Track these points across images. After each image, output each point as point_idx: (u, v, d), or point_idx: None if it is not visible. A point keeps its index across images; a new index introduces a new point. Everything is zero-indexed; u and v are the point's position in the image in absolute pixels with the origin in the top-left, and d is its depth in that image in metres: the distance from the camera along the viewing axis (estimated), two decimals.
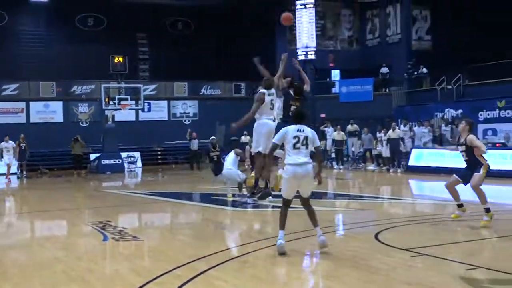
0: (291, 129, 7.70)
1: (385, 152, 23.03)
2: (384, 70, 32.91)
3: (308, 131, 7.71)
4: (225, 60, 34.05)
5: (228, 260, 7.38)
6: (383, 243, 8.31)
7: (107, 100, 27.35)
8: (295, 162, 7.54)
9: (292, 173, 7.56)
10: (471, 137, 9.33)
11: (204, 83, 34.06)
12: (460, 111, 26.50)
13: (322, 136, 27.25)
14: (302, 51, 32.91)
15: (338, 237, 9.52)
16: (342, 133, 25.28)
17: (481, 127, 25.61)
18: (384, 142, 23.03)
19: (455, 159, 19.76)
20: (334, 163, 25.96)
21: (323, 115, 30.82)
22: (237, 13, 34.01)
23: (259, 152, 9.59)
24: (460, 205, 9.65)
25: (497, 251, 7.83)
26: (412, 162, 22.12)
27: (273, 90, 9.76)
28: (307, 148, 7.66)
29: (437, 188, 16.82)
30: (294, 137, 7.59)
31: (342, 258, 7.45)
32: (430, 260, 7.16)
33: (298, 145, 7.58)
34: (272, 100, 9.68)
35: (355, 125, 25.96)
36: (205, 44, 34.47)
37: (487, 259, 7.16)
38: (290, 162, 7.60)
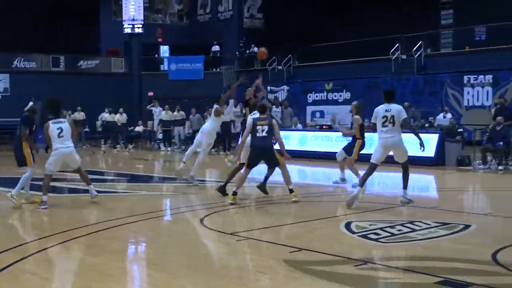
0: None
1: None
2: (215, 48, 33.47)
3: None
4: (42, 30, 32.41)
5: (38, 251, 7.10)
6: (208, 227, 8.50)
7: None
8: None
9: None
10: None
11: (18, 55, 32.03)
12: (287, 89, 27.80)
13: (149, 116, 27.30)
14: (129, 24, 32.33)
15: (163, 222, 9.60)
16: (170, 112, 25.23)
17: (309, 109, 27.09)
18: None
19: (285, 141, 20.87)
20: (161, 144, 26.02)
21: (150, 94, 30.71)
22: None
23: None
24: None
25: (317, 233, 8.24)
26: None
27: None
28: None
29: (263, 170, 17.59)
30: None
31: (167, 245, 7.54)
32: (253, 243, 7.44)
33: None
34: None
35: (181, 112, 25.64)
36: (19, 12, 32.43)
37: (307, 241, 7.46)
38: None
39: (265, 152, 10.38)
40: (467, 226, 8.27)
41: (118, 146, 26.11)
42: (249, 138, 10.48)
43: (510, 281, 5.83)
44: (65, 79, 30.26)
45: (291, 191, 10.32)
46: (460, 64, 23.78)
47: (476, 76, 22.32)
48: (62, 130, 10.31)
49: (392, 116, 9.74)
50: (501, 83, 21.55)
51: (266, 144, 10.35)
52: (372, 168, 10.01)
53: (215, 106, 13.15)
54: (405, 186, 10.25)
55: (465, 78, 22.57)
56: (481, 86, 22.05)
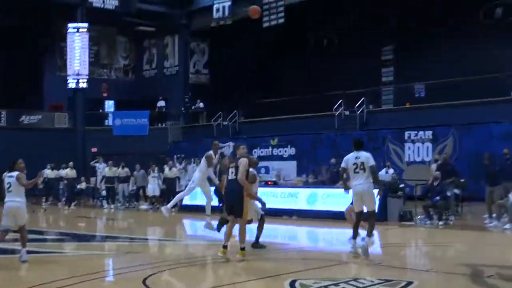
0: None
1: (154, 190, 23.38)
2: (161, 103, 33.37)
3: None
4: None
5: None
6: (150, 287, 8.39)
7: None
8: None
9: None
10: None
11: None
12: (232, 146, 27.82)
13: (93, 172, 26.88)
14: (73, 79, 31.90)
15: (103, 284, 9.38)
16: (114, 169, 24.89)
17: None
18: (158, 180, 23.38)
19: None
20: (104, 201, 25.58)
21: (94, 150, 30.29)
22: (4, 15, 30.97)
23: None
24: None
25: None
26: (186, 201, 22.56)
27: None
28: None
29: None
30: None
31: None
32: None
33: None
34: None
35: (126, 168, 25.20)
36: None
37: None
38: None
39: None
40: (409, 283, 8.30)
41: (59, 203, 25.59)
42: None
43: None
44: (6, 135, 29.60)
45: (242, 249, 10.10)
46: (401, 120, 24.26)
47: (416, 132, 22.78)
48: (10, 185, 10.34)
49: (362, 163, 10.18)
50: (440, 139, 22.03)
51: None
52: (359, 218, 10.42)
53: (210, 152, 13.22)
54: (369, 234, 10.45)
55: (406, 134, 22.98)
56: (421, 142, 22.52)
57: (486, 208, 15.83)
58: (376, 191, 10.73)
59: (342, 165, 10.48)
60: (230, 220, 10.37)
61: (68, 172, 26.06)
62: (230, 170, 10.25)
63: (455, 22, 26.48)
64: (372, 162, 10.28)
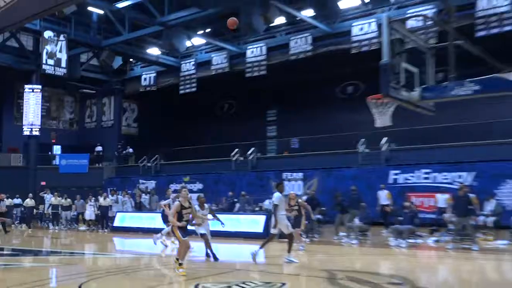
0: None
1: (90, 215, 22.86)
2: (98, 148, 32.53)
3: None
4: None
5: None
6: None
7: None
8: None
9: None
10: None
11: None
12: (154, 184, 27.40)
13: (41, 200, 25.71)
14: (28, 128, 30.41)
15: None
16: (59, 198, 23.90)
17: (172, 196, 26.66)
18: (94, 208, 22.77)
19: (151, 221, 20.34)
20: (50, 224, 24.34)
21: (43, 183, 28.81)
22: None
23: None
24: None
25: None
26: (116, 223, 21.96)
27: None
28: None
29: (135, 243, 16.98)
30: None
31: None
32: None
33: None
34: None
35: (68, 199, 23.95)
36: None
37: None
38: None
39: None
40: (283, 284, 8.43)
41: (13, 225, 24.04)
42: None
43: None
44: None
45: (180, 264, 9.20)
46: (281, 164, 24.71)
47: (291, 173, 23.29)
48: None
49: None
50: (308, 179, 22.64)
51: None
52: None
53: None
54: (289, 251, 11.06)
55: (284, 174, 23.43)
56: (294, 180, 22.99)
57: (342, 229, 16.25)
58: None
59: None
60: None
61: (28, 201, 24.77)
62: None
63: (320, 95, 27.64)
64: (273, 200, 10.97)
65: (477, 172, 18.34)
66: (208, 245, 11.60)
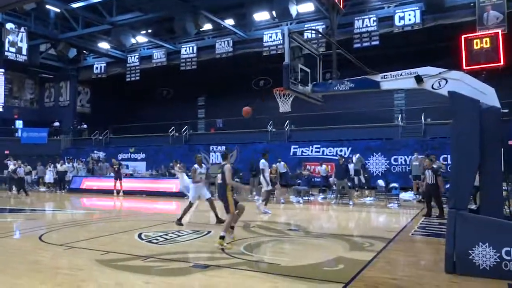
0: None
1: (50, 179, 21.80)
2: (56, 123, 30.64)
3: None
4: None
5: None
6: (44, 241, 7.66)
7: None
8: None
9: None
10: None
11: None
12: (104, 154, 26.32)
13: (5, 167, 23.81)
14: None
15: (11, 240, 8.31)
16: (22, 165, 22.17)
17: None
18: (53, 172, 21.56)
19: (102, 183, 19.61)
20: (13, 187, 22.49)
21: (7, 152, 26.69)
22: None
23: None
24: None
25: (119, 241, 7.89)
26: (73, 185, 20.96)
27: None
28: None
29: (88, 202, 16.34)
30: None
31: (10, 256, 6.58)
32: (76, 250, 6.87)
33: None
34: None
35: (29, 166, 22.46)
36: None
37: (113, 247, 7.04)
38: None
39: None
40: (209, 232, 8.56)
41: None
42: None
43: (230, 262, 6.02)
44: None
45: (221, 237, 7.06)
46: (208, 139, 24.73)
47: (216, 146, 23.36)
48: None
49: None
50: (229, 150, 22.83)
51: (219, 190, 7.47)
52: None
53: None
54: (266, 204, 11.58)
55: (211, 147, 23.48)
56: (219, 152, 23.15)
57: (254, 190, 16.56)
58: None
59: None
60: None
61: None
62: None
63: (239, 86, 27.73)
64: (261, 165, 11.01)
65: (352, 147, 19.44)
66: (213, 208, 9.83)
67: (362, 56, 8.18)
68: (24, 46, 26.74)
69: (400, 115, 21.13)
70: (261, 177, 11.51)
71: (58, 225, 9.64)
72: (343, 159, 14.87)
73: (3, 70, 28.25)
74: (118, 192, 18.20)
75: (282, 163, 18.12)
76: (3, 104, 28.52)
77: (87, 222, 10.29)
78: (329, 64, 8.25)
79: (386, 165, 18.64)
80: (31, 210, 11.89)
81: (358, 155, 16.92)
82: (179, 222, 9.33)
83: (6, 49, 26.09)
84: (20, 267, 5.83)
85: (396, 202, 13.43)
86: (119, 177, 18.46)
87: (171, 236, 7.93)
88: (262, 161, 11.43)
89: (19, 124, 31.61)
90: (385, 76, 6.64)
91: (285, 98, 8.25)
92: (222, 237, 7.04)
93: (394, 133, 19.64)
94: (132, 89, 30.29)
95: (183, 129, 25.55)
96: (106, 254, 6.49)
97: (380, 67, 7.14)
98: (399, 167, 18.34)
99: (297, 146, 20.89)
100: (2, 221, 11.05)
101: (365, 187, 16.38)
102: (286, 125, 22.22)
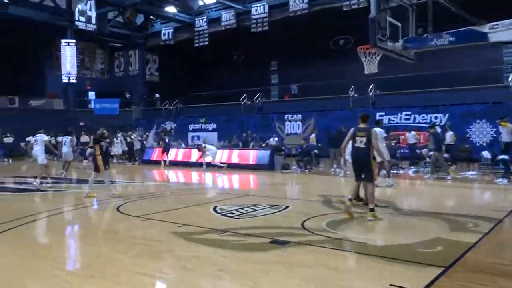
0: None
1: (118, 151, 22.34)
2: (128, 95, 32.65)
3: None
4: (2, 77, 29.47)
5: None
6: (122, 212, 8.24)
7: None
8: None
9: None
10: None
11: None
12: (175, 124, 27.56)
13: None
14: (66, 76, 30.34)
15: (89, 210, 9.13)
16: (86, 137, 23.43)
17: (190, 134, 26.99)
18: (122, 144, 22.48)
19: (179, 155, 20.58)
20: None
21: (82, 123, 29.06)
22: (19, 31, 28.03)
23: None
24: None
25: (195, 213, 8.16)
26: (145, 157, 22.23)
27: None
28: None
29: (162, 174, 17.30)
30: None
31: (90, 226, 7.22)
32: (153, 222, 7.27)
33: None
34: None
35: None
36: None
37: (189, 220, 7.32)
38: None
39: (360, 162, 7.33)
40: (287, 207, 8.58)
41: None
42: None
43: (311, 238, 6.06)
44: (18, 114, 27.82)
45: (371, 210, 7.18)
46: (282, 107, 24.69)
47: (292, 115, 23.29)
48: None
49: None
50: (306, 120, 22.67)
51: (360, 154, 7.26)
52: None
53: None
54: (388, 175, 11.57)
55: (286, 116, 23.48)
56: (294, 121, 23.06)
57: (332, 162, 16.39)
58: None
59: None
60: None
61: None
62: (359, 139, 7.27)
63: (316, 47, 27.17)
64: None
65: (449, 113, 18.30)
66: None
67: (462, 5, 7.52)
68: (93, 14, 28.51)
69: (511, 74, 19.34)
70: (378, 148, 9.11)
71: (134, 197, 10.34)
72: (436, 129, 14.06)
73: (74, 40, 30.35)
74: (164, 162, 19.49)
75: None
76: (76, 76, 30.83)
77: (161, 194, 10.93)
78: (423, 17, 7.69)
79: (492, 134, 17.36)
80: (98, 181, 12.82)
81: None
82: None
83: (76, 18, 28.05)
84: (100, 237, 6.38)
85: (506, 177, 12.49)
86: (167, 149, 19.69)
87: (247, 210, 8.11)
88: (377, 129, 10.71)
89: (91, 95, 34.12)
90: (495, 26, 6.08)
91: (371, 58, 7.94)
92: (372, 210, 7.14)
93: (503, 95, 18.10)
94: (201, 56, 31.01)
95: (255, 97, 25.75)
96: (182, 226, 6.80)
97: (486, 16, 6.52)
98: None
99: (383, 113, 20.15)
100: (79, 191, 12.13)
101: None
102: (370, 90, 21.42)
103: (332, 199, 9.52)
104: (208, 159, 17.60)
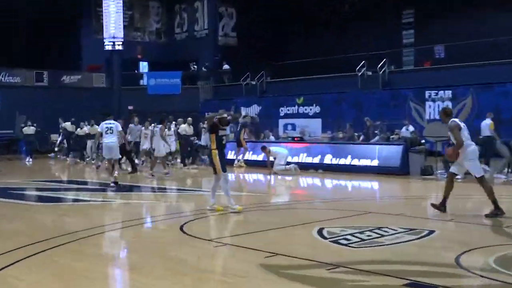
0: None
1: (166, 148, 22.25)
2: (193, 66, 33.62)
3: None
4: (27, 46, 31.89)
5: (26, 257, 6.99)
6: (188, 234, 8.43)
7: None
8: None
9: None
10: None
11: (3, 70, 30.39)
12: (260, 107, 27.91)
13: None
14: (109, 42, 31.97)
15: (145, 229, 9.53)
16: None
17: (281, 122, 27.16)
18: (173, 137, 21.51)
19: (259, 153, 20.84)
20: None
21: (130, 107, 30.39)
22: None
23: None
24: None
25: (291, 239, 8.20)
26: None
27: None
28: None
29: (244, 180, 17.62)
30: None
31: (150, 250, 7.48)
32: (232, 248, 7.42)
33: None
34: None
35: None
36: (7, 28, 31.06)
37: (283, 247, 7.37)
38: None
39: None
40: (431, 232, 8.36)
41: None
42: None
43: (472, 283, 5.88)
44: (48, 93, 29.91)
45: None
46: (421, 80, 24.09)
47: (436, 91, 22.64)
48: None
49: None
50: (459, 98, 21.89)
51: None
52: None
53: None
54: None
55: (426, 93, 22.86)
56: (441, 100, 22.32)
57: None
58: None
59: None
60: None
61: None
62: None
63: None
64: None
65: None
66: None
67: None
68: None
69: None
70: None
71: (199, 212, 10.57)
72: None
73: None
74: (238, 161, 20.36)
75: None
76: (122, 40, 32.35)
77: (244, 209, 11.03)
78: None
79: None
80: (163, 189, 13.37)
81: None
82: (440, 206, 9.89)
83: None
84: (160, 266, 6.59)
85: None
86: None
87: (369, 236, 7.99)
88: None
89: (143, 67, 35.59)
90: None
91: None
92: None
93: None
94: (297, 7, 31.03)
95: (379, 65, 25.31)
96: (273, 256, 6.85)
97: None
98: None
99: None
100: (136, 202, 12.69)
101: None
102: None
103: (504, 222, 9.14)
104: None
